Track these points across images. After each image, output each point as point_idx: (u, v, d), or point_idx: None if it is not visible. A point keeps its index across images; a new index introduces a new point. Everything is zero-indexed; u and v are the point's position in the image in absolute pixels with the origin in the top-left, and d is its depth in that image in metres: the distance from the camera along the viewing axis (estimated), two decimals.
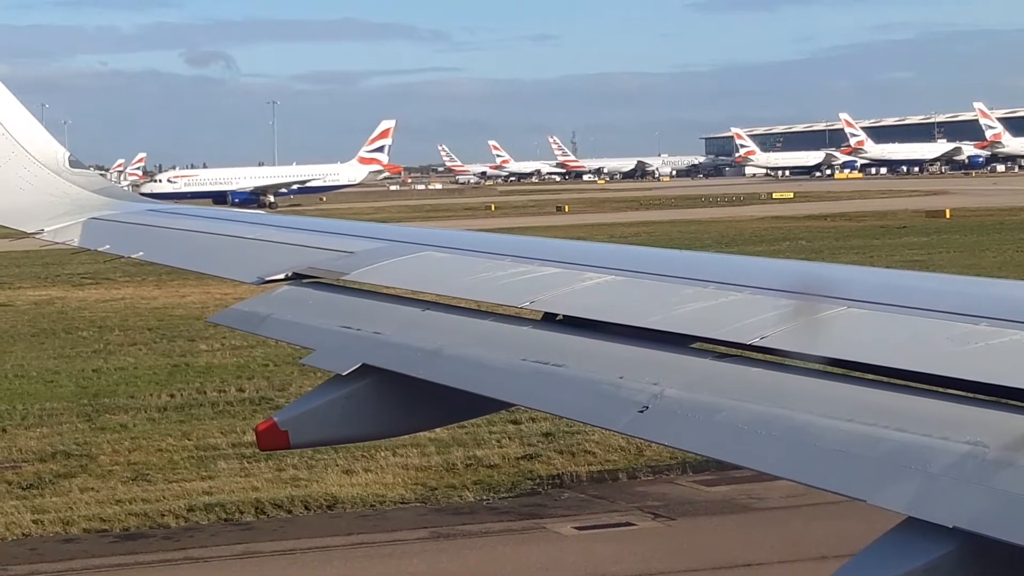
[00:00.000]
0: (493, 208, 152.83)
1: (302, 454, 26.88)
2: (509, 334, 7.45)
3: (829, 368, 5.85)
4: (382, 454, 27.80)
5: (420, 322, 8.11)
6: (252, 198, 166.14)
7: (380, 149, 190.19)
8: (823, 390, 5.61)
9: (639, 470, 26.88)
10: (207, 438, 30.51)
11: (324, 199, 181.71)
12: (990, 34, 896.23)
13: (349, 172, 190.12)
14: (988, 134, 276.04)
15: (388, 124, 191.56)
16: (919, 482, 4.72)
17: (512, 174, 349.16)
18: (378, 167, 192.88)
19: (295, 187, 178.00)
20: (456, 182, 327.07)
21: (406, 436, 22.13)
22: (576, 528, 23.70)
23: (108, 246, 12.50)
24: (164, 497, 25.93)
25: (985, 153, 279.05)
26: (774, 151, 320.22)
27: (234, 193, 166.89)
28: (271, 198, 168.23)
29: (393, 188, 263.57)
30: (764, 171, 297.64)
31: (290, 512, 25.01)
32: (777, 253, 71.18)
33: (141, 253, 12.10)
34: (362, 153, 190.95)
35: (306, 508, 25.18)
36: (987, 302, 6.12)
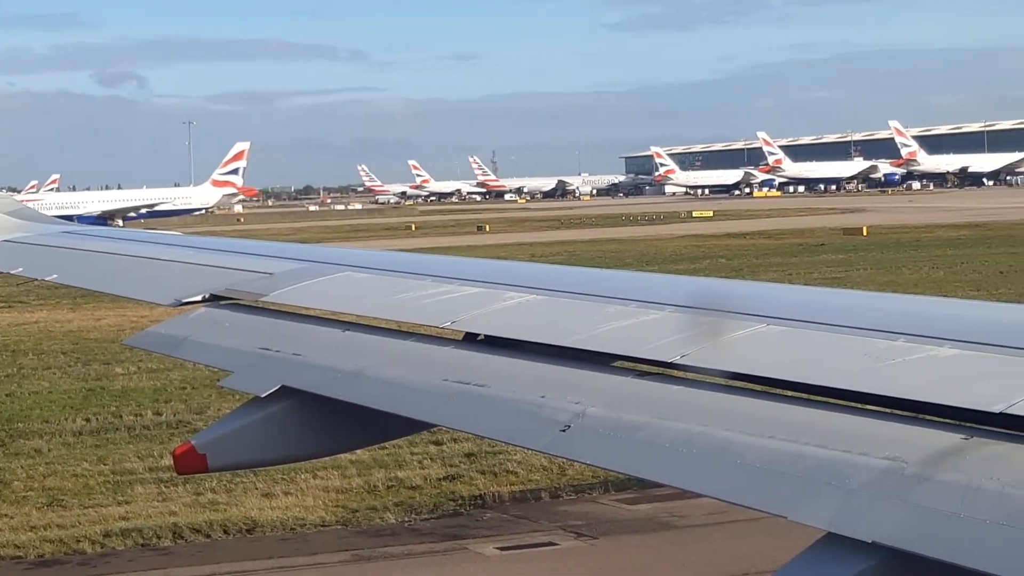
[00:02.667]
0: (414, 228, 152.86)
1: (220, 478, 26.65)
2: (430, 354, 7.42)
3: (749, 385, 5.87)
4: (302, 477, 27.60)
5: (340, 343, 8.06)
6: (99, 223, 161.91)
7: (235, 171, 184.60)
8: (744, 407, 5.63)
9: (562, 489, 26.88)
10: (123, 462, 30.15)
11: (241, 219, 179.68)
12: (905, 54, 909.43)
13: (202, 195, 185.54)
14: (904, 152, 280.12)
15: (243, 146, 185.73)
16: (839, 498, 4.74)
17: (433, 194, 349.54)
18: (232, 190, 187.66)
19: (143, 211, 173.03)
20: (376, 202, 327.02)
21: (327, 458, 21.98)
22: (499, 548, 23.65)
23: (21, 269, 12.32)
24: (80, 523, 25.57)
25: (901, 171, 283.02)
26: (693, 170, 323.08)
27: (80, 218, 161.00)
28: (120, 222, 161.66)
29: (312, 209, 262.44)
30: (684, 190, 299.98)
31: (209, 536, 24.75)
32: (697, 271, 71.65)
33: (55, 275, 11.93)
34: (216, 176, 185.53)
35: (225, 532, 24.93)
36: (904, 318, 6.17)
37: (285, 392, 7.67)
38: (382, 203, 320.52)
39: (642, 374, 6.28)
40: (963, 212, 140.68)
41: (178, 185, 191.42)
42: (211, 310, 9.35)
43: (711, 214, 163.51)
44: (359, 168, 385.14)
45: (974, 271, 70.05)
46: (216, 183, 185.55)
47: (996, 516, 4.31)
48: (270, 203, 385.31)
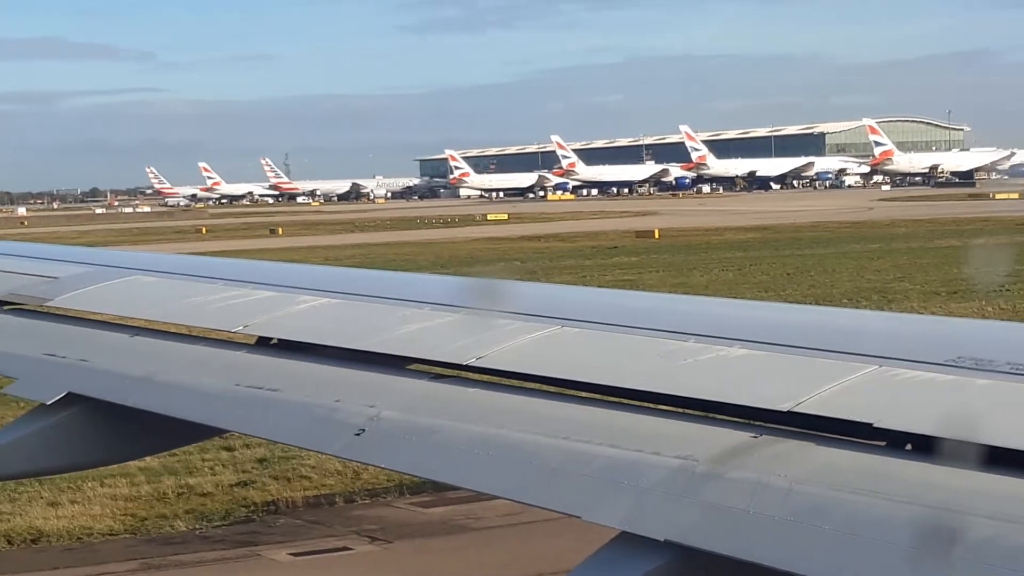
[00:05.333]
0: (204, 231, 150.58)
1: (4, 487, 25.88)
2: (222, 359, 7.30)
3: (544, 387, 5.90)
4: (89, 485, 26.96)
5: (129, 348, 7.88)
6: None
7: None
8: (538, 408, 5.66)
9: (356, 494, 26.75)
10: None
11: (25, 223, 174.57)
12: (695, 59, 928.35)
13: None
14: (694, 156, 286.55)
15: None
16: (631, 497, 4.79)
17: (224, 196, 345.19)
18: None
19: None
20: (165, 205, 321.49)
21: (115, 466, 21.49)
22: (292, 555, 23.42)
23: None
24: None
25: (691, 175, 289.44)
26: (488, 173, 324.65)
27: None
28: None
29: (99, 211, 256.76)
30: (478, 193, 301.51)
31: None
32: (493, 275, 71.89)
33: None
34: None
35: (8, 543, 24.23)
36: (695, 319, 6.27)
37: (72, 399, 7.47)
38: (171, 206, 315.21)
39: (437, 377, 6.27)
40: (751, 215, 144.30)
41: None
42: None
43: (506, 217, 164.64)
44: (148, 170, 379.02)
45: (762, 273, 71.85)
46: None
47: (784, 513, 4.40)
48: (55, 206, 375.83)
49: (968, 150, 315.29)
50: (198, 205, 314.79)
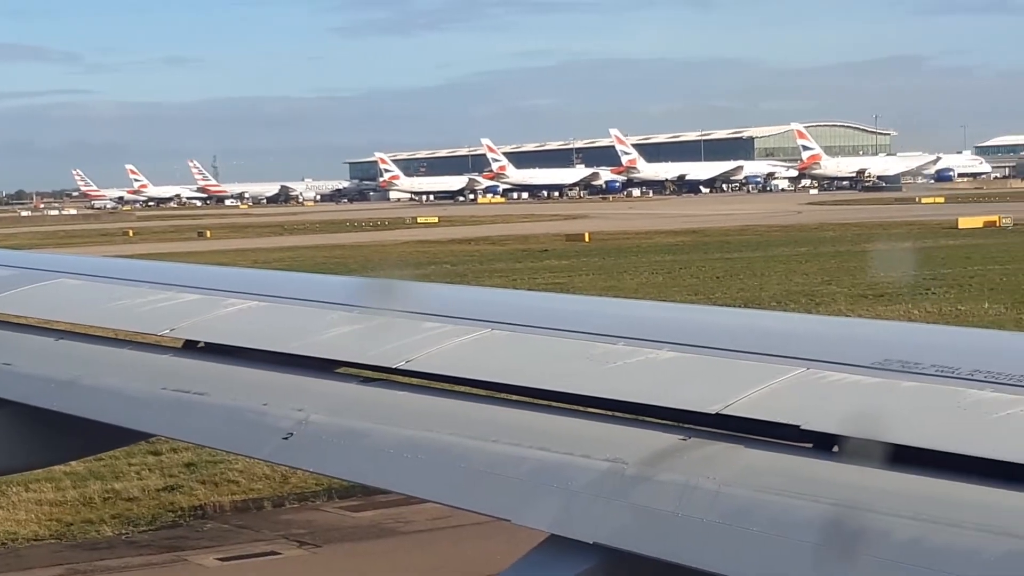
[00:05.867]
0: (131, 234, 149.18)
1: None
2: (148, 363, 7.24)
3: (474, 390, 5.89)
4: (14, 490, 26.63)
5: (53, 352, 7.79)
6: None
7: None
8: (468, 411, 5.65)
9: (285, 498, 26.60)
10: None
11: None
12: (625, 63, 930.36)
13: None
14: (624, 160, 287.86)
15: None
16: (561, 500, 4.79)
17: (151, 199, 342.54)
18: None
19: None
20: (92, 207, 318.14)
21: (40, 470, 21.26)
22: (219, 560, 23.24)
23: None
24: None
25: (622, 178, 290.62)
26: (418, 176, 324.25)
27: None
28: None
29: (24, 214, 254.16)
30: (409, 196, 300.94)
31: None
32: (423, 278, 71.86)
33: None
34: None
35: None
36: (625, 322, 6.28)
37: None
38: (98, 208, 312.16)
39: (366, 380, 6.24)
40: (681, 219, 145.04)
41: None
42: None
43: (436, 220, 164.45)
44: (74, 172, 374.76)
45: (692, 276, 72.23)
46: None
47: (712, 515, 4.42)
48: None
49: (895, 155, 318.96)
50: (125, 208, 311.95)
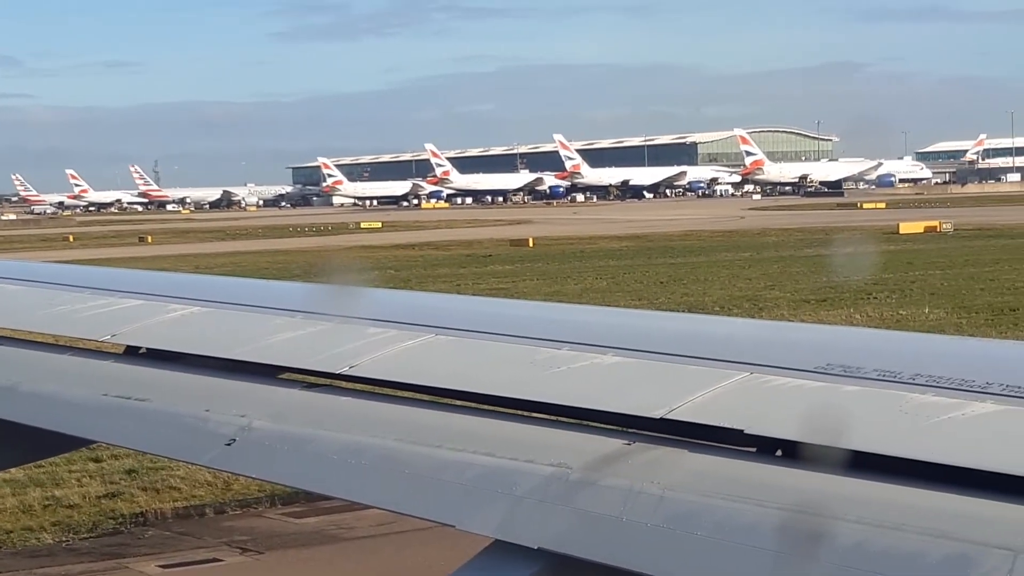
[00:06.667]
0: (71, 239, 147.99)
1: None
2: (88, 369, 7.18)
3: (418, 395, 5.87)
4: None
5: None
6: None
7: None
8: (412, 417, 5.63)
9: (227, 504, 26.43)
10: None
11: None
12: (569, 69, 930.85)
13: None
14: (568, 165, 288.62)
15: None
16: (505, 505, 4.78)
17: (92, 204, 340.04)
18: None
19: None
20: (31, 212, 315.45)
21: None
22: (161, 567, 23.07)
23: None
24: None
25: (566, 183, 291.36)
26: (361, 181, 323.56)
27: None
28: None
29: None
30: (352, 201, 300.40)
31: None
32: (367, 283, 71.58)
33: None
34: None
35: None
36: (569, 327, 6.29)
37: None
38: (38, 213, 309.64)
39: (310, 386, 6.21)
40: (625, 224, 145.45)
41: None
42: None
43: (380, 225, 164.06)
44: (13, 177, 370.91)
45: (636, 281, 72.38)
46: None
47: (656, 519, 4.42)
48: None
49: (837, 160, 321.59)
50: (65, 213, 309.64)
